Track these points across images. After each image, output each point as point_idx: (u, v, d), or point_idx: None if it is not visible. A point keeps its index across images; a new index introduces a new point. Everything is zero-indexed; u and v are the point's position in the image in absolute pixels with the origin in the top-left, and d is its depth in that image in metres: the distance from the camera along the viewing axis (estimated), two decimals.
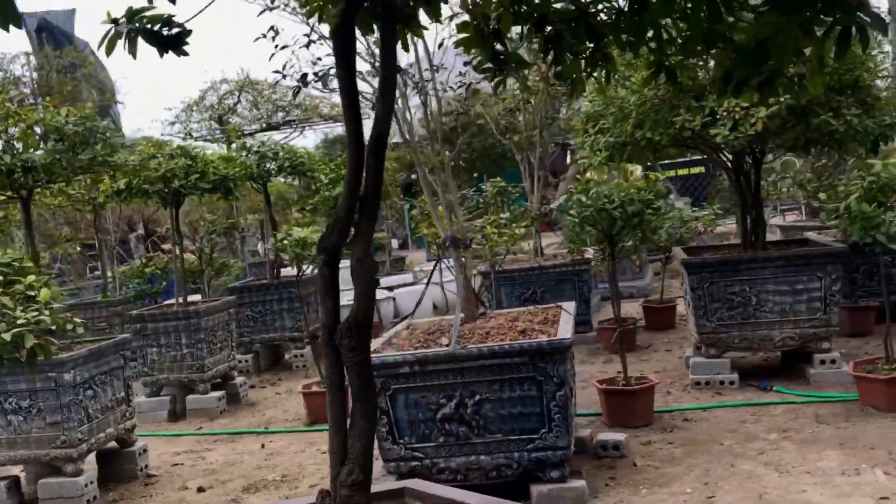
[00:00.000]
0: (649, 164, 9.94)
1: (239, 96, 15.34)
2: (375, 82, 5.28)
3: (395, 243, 15.81)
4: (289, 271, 9.84)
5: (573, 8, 2.63)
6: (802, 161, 9.37)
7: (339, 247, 2.10)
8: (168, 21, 2.22)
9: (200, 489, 5.14)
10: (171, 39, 2.23)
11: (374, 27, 2.98)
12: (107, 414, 5.29)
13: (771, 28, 2.22)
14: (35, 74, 22.59)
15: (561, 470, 4.24)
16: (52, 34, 26.68)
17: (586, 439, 4.95)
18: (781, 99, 5.41)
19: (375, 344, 4.64)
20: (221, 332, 7.15)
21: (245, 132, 15.07)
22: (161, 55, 2.24)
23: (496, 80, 3.26)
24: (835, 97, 5.67)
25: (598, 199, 5.18)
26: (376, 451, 3.92)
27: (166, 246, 12.08)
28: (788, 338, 6.09)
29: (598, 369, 7.21)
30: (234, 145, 14.24)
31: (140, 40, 2.24)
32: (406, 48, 3.13)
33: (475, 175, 14.76)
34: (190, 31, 2.26)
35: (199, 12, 2.38)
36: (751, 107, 5.51)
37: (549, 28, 2.75)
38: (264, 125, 15.49)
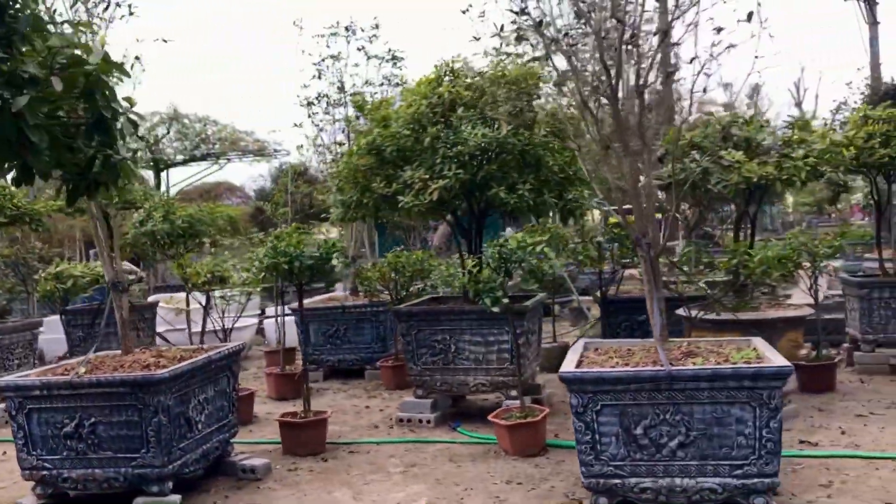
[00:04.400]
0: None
1: (168, 128, 16.44)
2: None
3: None
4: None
5: None
6: None
7: None
8: None
9: None
10: None
11: None
12: None
13: None
14: None
15: (160, 485, 5.00)
16: None
17: (235, 462, 5.70)
18: (450, 174, 6.20)
19: (36, 371, 5.47)
20: (21, 350, 8.01)
21: (171, 162, 16.09)
22: None
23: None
24: (511, 174, 6.42)
25: (276, 255, 5.96)
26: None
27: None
28: (481, 384, 6.78)
29: (353, 403, 7.95)
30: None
31: None
32: None
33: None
34: None
35: None
36: (430, 179, 6.29)
37: None
38: (189, 156, 16.59)
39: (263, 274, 6.04)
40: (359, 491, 5.25)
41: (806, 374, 7.50)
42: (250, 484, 5.52)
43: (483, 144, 6.17)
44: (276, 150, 16.53)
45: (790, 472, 5.24)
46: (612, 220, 23.32)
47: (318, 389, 8.77)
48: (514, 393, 6.72)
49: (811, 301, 11.06)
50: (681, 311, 7.18)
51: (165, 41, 5.93)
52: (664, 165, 6.67)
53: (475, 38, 4.87)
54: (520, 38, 4.57)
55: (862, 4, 33.82)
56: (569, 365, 4.54)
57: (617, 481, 4.34)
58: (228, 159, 17.18)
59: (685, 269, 5.63)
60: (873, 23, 33.83)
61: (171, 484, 5.05)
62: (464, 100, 6.45)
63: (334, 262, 5.84)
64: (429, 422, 6.82)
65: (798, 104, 44.22)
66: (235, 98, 56.34)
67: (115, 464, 5.00)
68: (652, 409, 4.28)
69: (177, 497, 5.03)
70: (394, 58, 9.70)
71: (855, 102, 18.74)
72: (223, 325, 7.24)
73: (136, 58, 5.50)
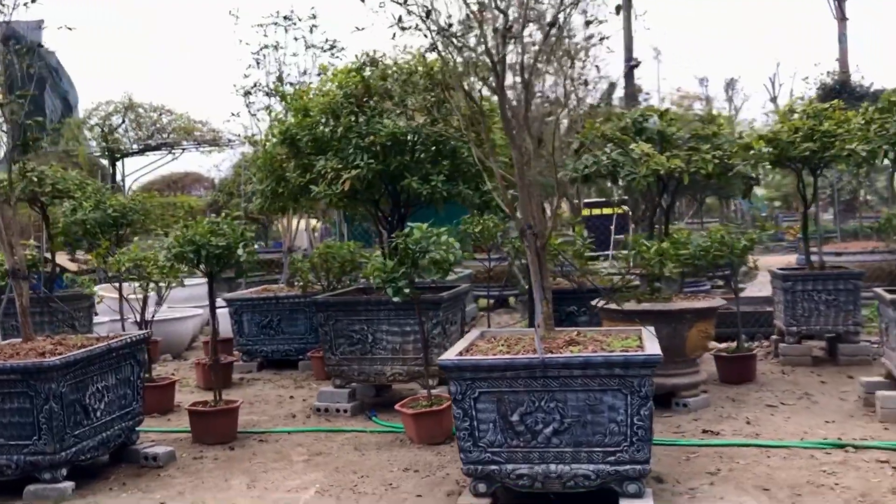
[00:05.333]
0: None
1: (123, 117, 16.35)
2: None
3: None
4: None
5: None
6: None
7: None
8: None
9: None
10: None
11: None
12: None
13: None
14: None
15: (52, 472, 5.00)
16: (18, 43, 27.76)
17: (138, 450, 5.72)
18: (362, 164, 6.22)
19: None
20: None
21: (126, 151, 16.01)
22: None
23: None
24: (425, 165, 6.45)
25: (183, 243, 5.96)
26: None
27: None
28: (398, 373, 6.83)
29: (278, 393, 7.98)
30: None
31: None
32: None
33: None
34: None
35: None
36: (343, 169, 6.31)
37: None
38: (143, 146, 16.52)
39: (172, 262, 6.03)
40: (256, 478, 5.28)
41: (725, 364, 7.61)
42: (151, 471, 5.53)
43: (396, 135, 6.19)
44: (230, 140, 16.55)
45: (685, 460, 5.33)
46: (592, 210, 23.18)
47: (248, 380, 8.79)
48: (431, 382, 6.76)
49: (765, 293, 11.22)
50: (594, 302, 7.26)
51: (70, 28, 5.90)
52: (580, 157, 6.73)
53: (358, 28, 4.89)
54: (403, 29, 4.59)
55: (831, 1, 34.03)
56: (450, 353, 4.58)
57: (494, 467, 4.39)
58: (183, 149, 17.19)
59: (574, 260, 5.70)
60: (842, 18, 34.08)
61: (64, 471, 5.05)
62: (380, 90, 6.46)
63: (239, 251, 5.83)
64: (345, 411, 6.85)
65: (773, 99, 44.60)
66: (192, 87, 56.19)
67: (8, 451, 5.00)
68: (528, 396, 4.32)
69: (69, 484, 5.04)
70: (332, 47, 9.71)
71: (811, 98, 18.91)
72: (143, 315, 7.22)
73: (39, 45, 5.47)
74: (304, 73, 9.62)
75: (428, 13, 4.67)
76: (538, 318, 4.75)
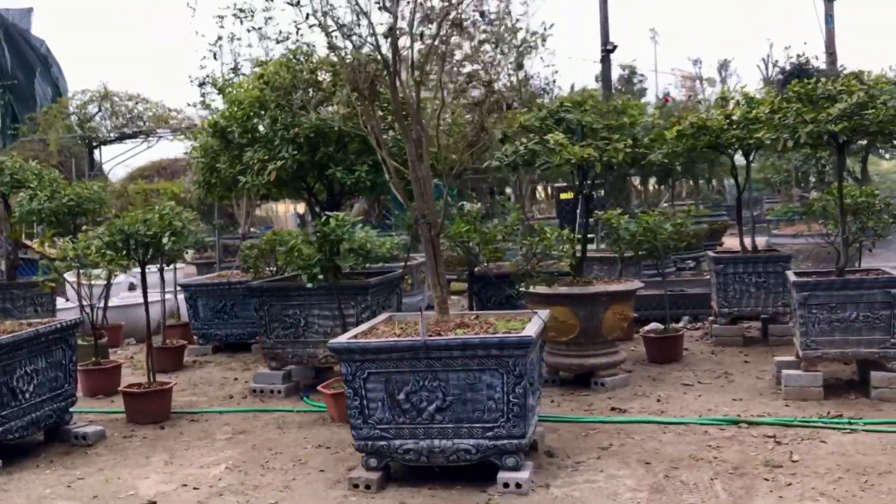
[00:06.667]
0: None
1: (99, 106, 16.59)
2: None
3: None
4: None
5: None
6: None
7: None
8: None
9: None
10: None
11: None
12: None
13: None
14: None
15: None
16: (8, 32, 28.02)
17: (70, 430, 6.01)
18: (287, 155, 6.47)
19: None
20: None
21: (103, 140, 16.26)
22: None
23: None
24: (349, 155, 6.71)
25: (112, 233, 6.23)
26: None
27: None
28: (329, 355, 7.09)
29: (224, 375, 8.28)
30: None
31: None
32: None
33: None
34: None
35: None
36: (268, 160, 6.57)
37: None
38: (119, 133, 16.77)
39: (103, 251, 6.30)
40: (175, 455, 5.58)
41: (653, 345, 7.88)
42: (80, 450, 5.83)
43: (319, 127, 6.44)
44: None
45: (583, 436, 5.61)
46: (563, 195, 23.55)
47: (201, 362, 9.09)
48: None
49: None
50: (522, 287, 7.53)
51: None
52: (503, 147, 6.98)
53: (254, 28, 5.13)
54: (298, 29, 4.83)
55: None
56: (343, 336, 4.85)
57: (383, 443, 4.67)
58: (159, 137, 17.45)
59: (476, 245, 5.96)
60: None
61: None
62: (302, 84, 6.70)
63: (164, 240, 6.10)
64: (279, 392, 7.14)
65: (766, 80, 44.61)
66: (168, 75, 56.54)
67: None
68: (413, 376, 4.59)
69: None
70: (286, 38, 9.85)
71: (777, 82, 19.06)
72: (107, 301, 7.52)
73: None
74: (258, 63, 9.80)
75: (325, 14, 4.90)
76: (425, 302, 5.01)
